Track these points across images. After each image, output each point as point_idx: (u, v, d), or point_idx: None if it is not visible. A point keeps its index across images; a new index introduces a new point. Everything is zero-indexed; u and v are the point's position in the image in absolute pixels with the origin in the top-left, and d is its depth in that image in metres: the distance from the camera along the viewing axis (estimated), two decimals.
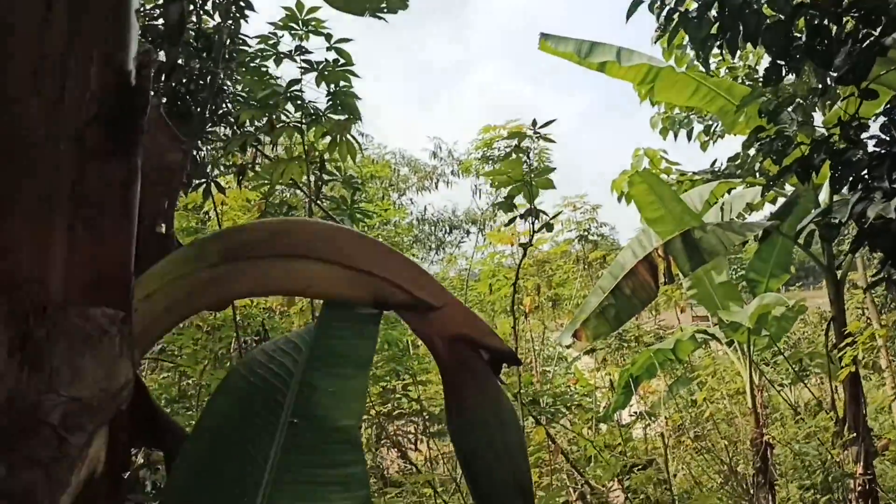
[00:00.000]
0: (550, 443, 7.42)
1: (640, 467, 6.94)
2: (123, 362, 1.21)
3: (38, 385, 1.14)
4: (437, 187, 22.39)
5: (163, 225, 1.62)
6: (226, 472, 1.35)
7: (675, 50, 9.17)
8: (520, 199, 4.54)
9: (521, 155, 4.38)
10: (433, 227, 22.42)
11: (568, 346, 9.25)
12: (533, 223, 4.61)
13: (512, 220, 5.16)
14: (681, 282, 9.89)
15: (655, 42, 6.42)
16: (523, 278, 9.67)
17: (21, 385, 1.14)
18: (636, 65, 8.43)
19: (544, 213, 4.68)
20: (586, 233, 11.32)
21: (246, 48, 5.57)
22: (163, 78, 5.58)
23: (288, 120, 5.77)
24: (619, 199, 10.25)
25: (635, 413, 9.60)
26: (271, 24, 5.36)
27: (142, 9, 4.90)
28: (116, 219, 1.28)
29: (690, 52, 9.02)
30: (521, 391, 6.19)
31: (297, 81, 5.49)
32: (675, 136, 10.76)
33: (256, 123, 6.00)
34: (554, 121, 4.55)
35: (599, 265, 11.62)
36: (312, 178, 6.16)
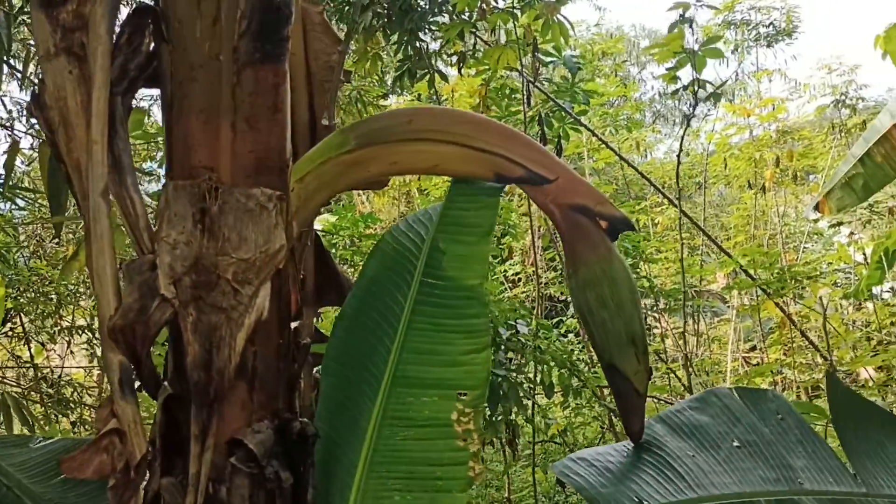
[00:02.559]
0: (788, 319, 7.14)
1: None
2: (279, 231, 1.51)
3: (215, 249, 1.48)
4: None
5: (326, 116, 1.90)
6: (371, 319, 1.64)
7: None
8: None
9: (683, 26, 4.15)
10: (677, 102, 21.31)
11: (815, 221, 8.69)
12: (696, 94, 4.39)
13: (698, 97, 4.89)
14: None
15: None
16: (761, 150, 9.09)
17: (203, 249, 1.48)
18: None
19: (710, 83, 4.43)
20: (843, 97, 10.20)
21: None
22: None
23: (501, 5, 5.86)
24: (884, 57, 9.14)
25: (892, 289, 8.87)
26: None
27: None
28: (270, 115, 1.56)
29: None
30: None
31: None
32: None
33: (475, 12, 6.15)
34: None
35: (860, 132, 10.50)
36: (529, 62, 6.25)
